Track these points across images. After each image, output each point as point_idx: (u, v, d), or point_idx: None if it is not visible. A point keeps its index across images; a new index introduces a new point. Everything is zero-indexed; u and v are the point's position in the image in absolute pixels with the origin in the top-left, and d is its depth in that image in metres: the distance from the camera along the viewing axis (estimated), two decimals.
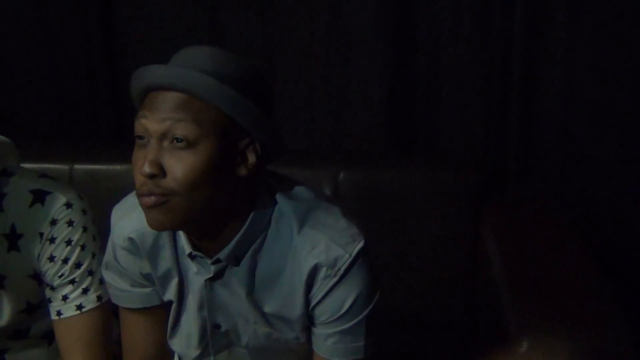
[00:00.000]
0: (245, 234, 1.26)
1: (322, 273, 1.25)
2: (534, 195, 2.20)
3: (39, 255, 1.47)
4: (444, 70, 2.24)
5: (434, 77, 2.25)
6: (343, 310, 1.27)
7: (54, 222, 1.46)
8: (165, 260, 1.35)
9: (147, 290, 1.40)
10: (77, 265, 1.47)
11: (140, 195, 1.19)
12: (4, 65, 2.31)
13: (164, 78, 1.18)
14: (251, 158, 1.22)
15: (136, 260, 1.37)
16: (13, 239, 1.47)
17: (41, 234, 1.46)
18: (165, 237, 1.33)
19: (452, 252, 2.01)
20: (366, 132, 2.28)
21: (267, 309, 1.31)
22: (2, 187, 1.47)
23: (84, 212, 1.50)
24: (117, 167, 2.05)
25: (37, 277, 1.51)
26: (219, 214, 1.24)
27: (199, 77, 1.17)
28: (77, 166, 2.05)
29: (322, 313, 1.28)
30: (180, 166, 1.16)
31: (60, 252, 1.46)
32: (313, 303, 1.28)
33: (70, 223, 1.47)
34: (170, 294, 1.38)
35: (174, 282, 1.36)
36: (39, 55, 2.30)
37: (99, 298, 1.50)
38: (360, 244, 1.26)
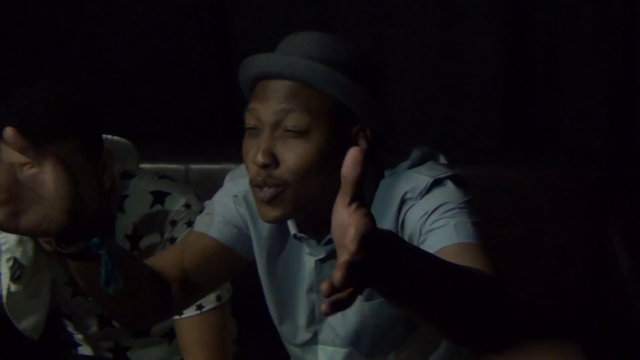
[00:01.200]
0: None
1: (405, 201, 1.20)
2: None
3: None
4: (562, 63, 2.15)
5: (551, 71, 2.16)
6: (430, 211, 1.17)
7: (173, 223, 1.48)
8: (267, 230, 1.32)
9: (236, 232, 1.34)
10: None
11: (254, 186, 1.18)
12: (120, 68, 2.37)
13: (273, 66, 1.17)
14: (362, 144, 1.20)
15: (242, 212, 1.34)
16: (135, 239, 1.51)
17: (161, 235, 1.49)
18: None
19: (575, 251, 1.94)
20: (480, 128, 2.22)
21: None
22: (123, 189, 1.51)
23: (202, 212, 1.51)
24: (232, 166, 2.03)
25: None
26: (328, 201, 1.22)
27: (308, 65, 1.15)
28: (192, 166, 2.08)
29: (411, 227, 1.20)
30: (292, 155, 1.15)
31: None
32: (402, 230, 1.21)
33: (189, 224, 1.49)
34: (261, 264, 1.34)
35: (264, 256, 1.33)
36: (154, 57, 2.35)
37: (218, 298, 1.51)
38: (448, 173, 1.21)
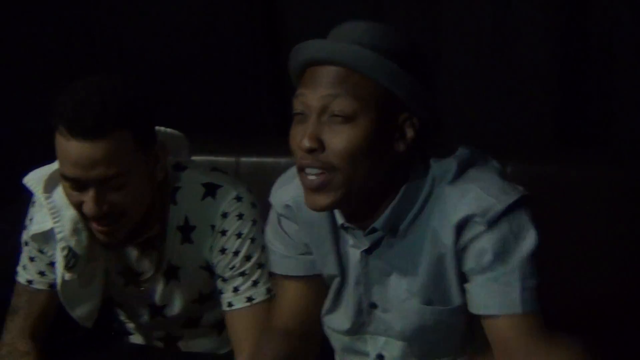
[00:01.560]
0: (400, 203, 1.24)
1: (471, 223, 1.20)
2: None
3: (210, 247, 1.51)
4: (617, 59, 2.10)
5: (604, 67, 2.11)
6: (490, 257, 1.20)
7: (225, 215, 1.49)
8: (321, 230, 1.35)
9: (309, 257, 1.40)
10: (247, 258, 1.50)
11: (300, 170, 1.20)
12: (173, 62, 2.39)
13: (322, 52, 1.18)
14: (409, 133, 1.21)
15: (295, 228, 1.39)
16: (186, 231, 1.52)
17: (212, 227, 1.50)
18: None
19: (627, 249, 1.89)
20: (533, 125, 2.19)
21: (422, 275, 1.27)
22: (175, 180, 1.52)
23: (253, 205, 1.52)
24: (282, 160, 2.06)
25: (209, 269, 1.55)
26: (376, 190, 1.23)
27: (357, 51, 1.16)
28: (243, 159, 2.09)
29: (470, 261, 1.22)
30: (339, 140, 1.17)
31: (231, 244, 1.49)
32: (461, 253, 1.23)
33: (240, 216, 1.49)
34: (330, 267, 1.37)
35: (332, 254, 1.36)
36: (207, 52, 2.36)
37: (268, 291, 1.52)
38: (515, 197, 1.20)
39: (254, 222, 1.51)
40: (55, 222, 1.48)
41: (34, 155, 1.60)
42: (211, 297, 1.59)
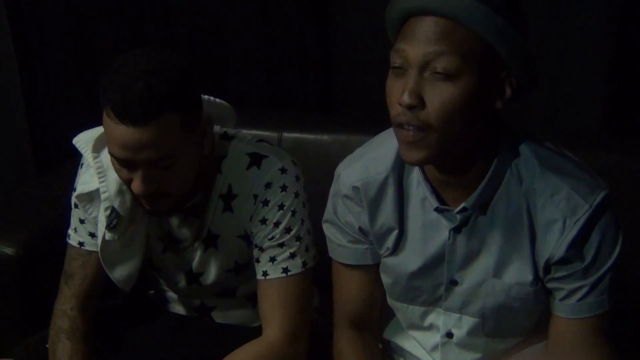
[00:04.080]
0: (492, 178, 1.23)
1: (559, 224, 1.20)
2: None
3: (251, 216, 1.51)
4: None
5: None
6: (585, 264, 1.21)
7: (268, 186, 1.49)
8: (387, 211, 1.34)
9: (363, 247, 1.40)
10: (287, 229, 1.50)
11: (397, 126, 1.17)
12: (219, 39, 2.40)
13: (431, 2, 1.12)
14: (508, 91, 1.17)
15: (356, 211, 1.37)
16: (228, 199, 1.52)
17: (255, 196, 1.50)
18: (391, 188, 1.32)
19: None
20: (582, 112, 2.15)
21: (504, 256, 1.27)
22: (222, 149, 1.53)
23: (297, 178, 1.52)
24: (324, 136, 2.07)
25: (247, 238, 1.55)
26: (470, 149, 1.21)
27: (469, 3, 1.11)
28: (285, 134, 2.09)
29: (561, 269, 1.23)
30: (440, 99, 1.13)
31: (273, 215, 1.49)
32: (549, 257, 1.23)
33: (284, 188, 1.49)
34: (389, 245, 1.37)
35: (394, 234, 1.35)
36: (252, 28, 2.36)
37: (304, 264, 1.52)
38: (602, 195, 1.20)
39: (297, 194, 1.51)
40: (101, 182, 1.49)
41: (81, 120, 1.63)
42: (248, 267, 1.60)
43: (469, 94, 1.13)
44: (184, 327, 1.72)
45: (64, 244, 1.61)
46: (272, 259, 1.51)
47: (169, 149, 1.35)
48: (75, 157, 1.59)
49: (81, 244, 1.58)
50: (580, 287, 1.23)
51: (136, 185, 1.37)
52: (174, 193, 1.42)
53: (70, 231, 1.60)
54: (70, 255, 1.60)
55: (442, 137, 1.14)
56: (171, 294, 1.74)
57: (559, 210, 1.20)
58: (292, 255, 1.51)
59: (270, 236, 1.50)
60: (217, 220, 1.54)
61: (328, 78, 2.33)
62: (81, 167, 1.57)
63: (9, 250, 1.82)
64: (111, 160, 1.41)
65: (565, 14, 2.08)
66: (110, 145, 1.36)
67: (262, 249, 1.52)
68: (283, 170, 1.50)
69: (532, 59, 1.16)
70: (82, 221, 1.57)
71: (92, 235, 1.57)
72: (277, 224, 1.49)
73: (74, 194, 1.57)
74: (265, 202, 1.49)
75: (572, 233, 1.20)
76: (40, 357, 1.57)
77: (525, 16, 1.18)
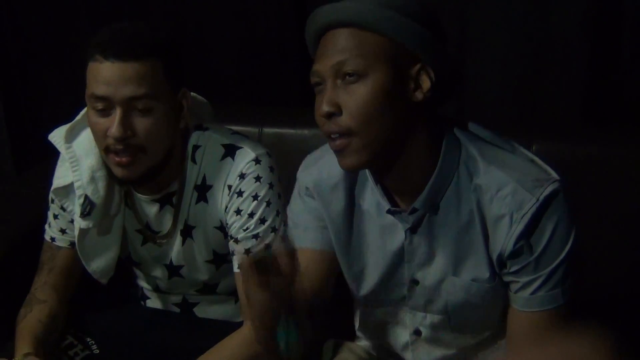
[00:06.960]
0: (438, 177, 1.24)
1: (506, 219, 1.21)
2: None
3: (226, 207, 1.51)
4: None
5: (637, 45, 2.07)
6: (535, 256, 1.22)
7: (242, 176, 1.49)
8: (336, 212, 1.37)
9: (327, 232, 1.40)
10: (262, 220, 1.50)
11: (326, 137, 1.23)
12: (199, 35, 2.39)
13: (322, 17, 1.21)
14: (426, 82, 1.20)
15: (314, 206, 1.40)
16: (202, 190, 1.52)
17: (229, 187, 1.50)
18: (341, 192, 1.35)
19: None
20: (562, 102, 2.15)
21: (460, 254, 1.29)
22: (196, 140, 1.53)
23: (271, 169, 1.52)
24: (305, 131, 2.06)
25: (223, 229, 1.55)
26: (404, 147, 1.23)
27: (354, 6, 1.18)
28: (266, 130, 2.09)
29: (513, 263, 1.24)
30: (354, 101, 1.18)
31: (247, 206, 1.49)
32: (501, 252, 1.24)
33: (257, 178, 1.49)
34: (341, 242, 1.39)
35: (343, 235, 1.37)
36: (232, 24, 2.36)
37: None
38: (551, 188, 1.20)
39: (271, 185, 1.50)
40: (74, 171, 1.51)
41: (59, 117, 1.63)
42: (227, 259, 1.59)
43: (382, 90, 1.17)
44: (167, 322, 1.72)
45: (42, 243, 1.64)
46: (248, 251, 1.50)
47: (150, 89, 1.39)
48: (54, 155, 1.60)
49: (52, 239, 1.61)
50: (533, 280, 1.23)
51: (113, 129, 1.39)
52: (148, 149, 1.42)
53: (45, 226, 1.63)
54: (44, 247, 1.63)
55: (365, 139, 1.19)
56: (152, 291, 1.74)
57: (506, 205, 1.21)
58: (268, 247, 1.50)
59: (245, 227, 1.50)
60: (193, 211, 1.55)
61: (307, 73, 2.32)
62: (57, 164, 1.58)
63: None
64: (88, 114, 1.43)
65: (544, 5, 2.08)
66: (93, 85, 1.39)
67: (237, 241, 1.52)
68: (257, 161, 1.50)
69: (445, 51, 1.21)
70: (55, 217, 1.60)
71: (63, 231, 1.59)
72: (251, 215, 1.49)
73: (51, 189, 1.58)
74: (240, 193, 1.49)
75: (519, 227, 1.21)
76: None
77: (434, 13, 1.23)
